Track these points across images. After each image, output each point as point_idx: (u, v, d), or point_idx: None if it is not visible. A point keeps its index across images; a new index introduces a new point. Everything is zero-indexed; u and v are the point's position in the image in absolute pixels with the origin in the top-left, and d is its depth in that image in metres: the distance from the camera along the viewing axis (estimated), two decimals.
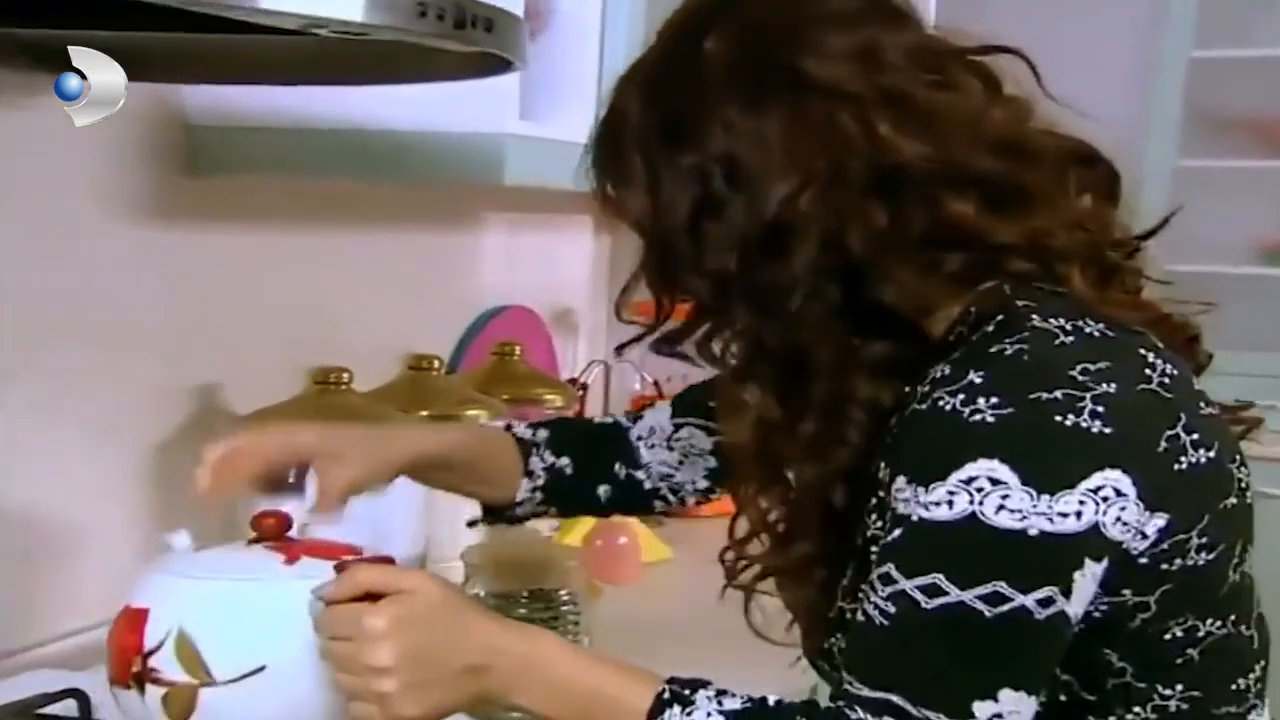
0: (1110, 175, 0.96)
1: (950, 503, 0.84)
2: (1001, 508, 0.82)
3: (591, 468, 1.25)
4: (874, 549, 0.90)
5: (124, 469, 1.52)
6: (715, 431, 1.24)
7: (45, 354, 1.42)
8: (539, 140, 1.49)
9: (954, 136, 0.89)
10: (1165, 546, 0.87)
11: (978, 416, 0.84)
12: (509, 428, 1.27)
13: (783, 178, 0.89)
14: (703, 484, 1.29)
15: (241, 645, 0.97)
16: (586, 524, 1.90)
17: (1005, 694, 0.84)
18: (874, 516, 0.93)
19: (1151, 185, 2.81)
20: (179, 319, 1.57)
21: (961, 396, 0.85)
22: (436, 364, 1.76)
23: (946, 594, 0.83)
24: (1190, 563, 0.88)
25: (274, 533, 1.06)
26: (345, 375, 1.55)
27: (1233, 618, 0.92)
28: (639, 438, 1.28)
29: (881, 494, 0.92)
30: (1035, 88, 0.95)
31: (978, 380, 0.85)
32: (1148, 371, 0.88)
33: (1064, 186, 0.93)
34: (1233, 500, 0.91)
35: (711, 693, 0.91)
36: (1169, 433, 0.87)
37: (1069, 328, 0.88)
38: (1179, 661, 0.90)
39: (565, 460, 1.24)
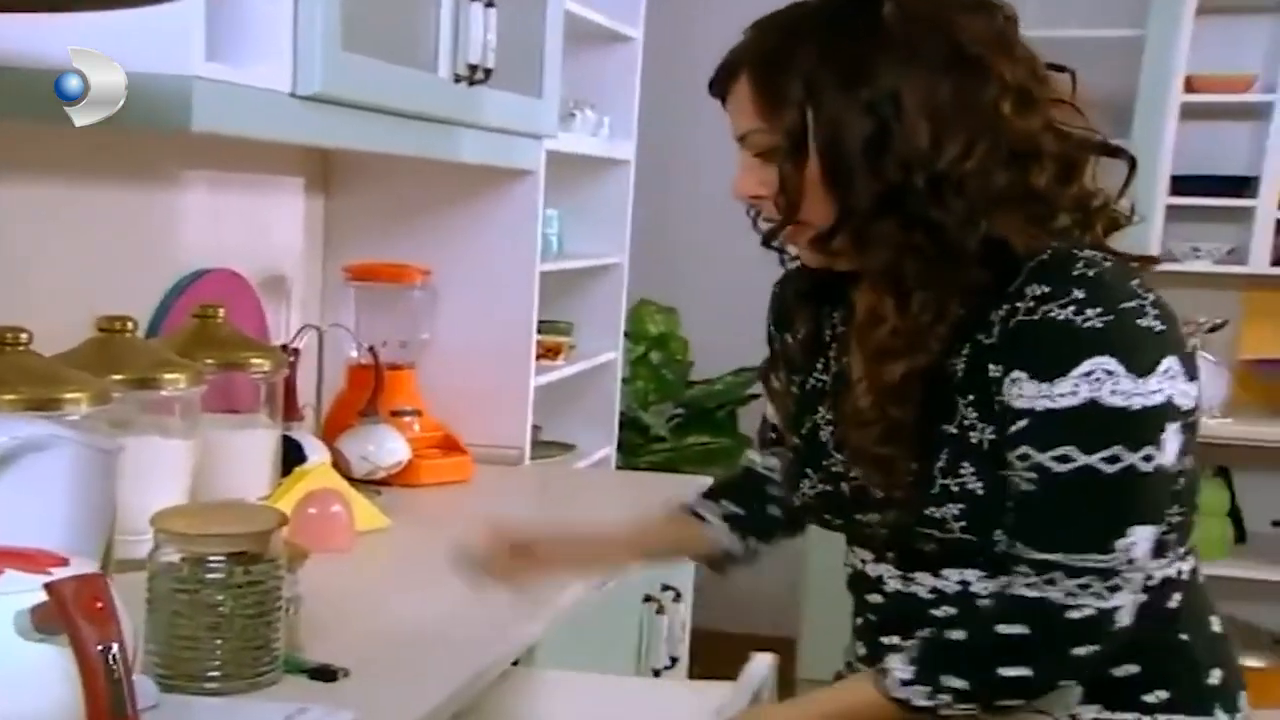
0: (1130, 162, 1.24)
1: (1075, 392, 1.11)
2: (1114, 391, 1.10)
3: (751, 501, 1.47)
4: (973, 435, 1.16)
5: None
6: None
7: None
8: (231, 85, 1.42)
9: (1043, 120, 1.17)
10: (1196, 415, 1.16)
11: (1089, 324, 1.11)
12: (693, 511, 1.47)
13: (953, 138, 1.13)
14: None
15: None
16: (298, 491, 1.85)
17: (1134, 530, 1.12)
18: (972, 409, 1.17)
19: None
20: None
21: (1072, 308, 1.11)
22: (130, 326, 1.67)
23: (1075, 460, 1.11)
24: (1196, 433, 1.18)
25: None
26: (23, 335, 1.45)
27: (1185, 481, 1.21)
28: (767, 467, 1.48)
29: (992, 390, 1.15)
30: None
31: (1081, 295, 1.12)
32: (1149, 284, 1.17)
33: (1093, 169, 1.22)
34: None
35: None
36: (1185, 328, 1.16)
37: (1103, 258, 1.16)
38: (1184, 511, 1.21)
39: (727, 504, 1.47)
